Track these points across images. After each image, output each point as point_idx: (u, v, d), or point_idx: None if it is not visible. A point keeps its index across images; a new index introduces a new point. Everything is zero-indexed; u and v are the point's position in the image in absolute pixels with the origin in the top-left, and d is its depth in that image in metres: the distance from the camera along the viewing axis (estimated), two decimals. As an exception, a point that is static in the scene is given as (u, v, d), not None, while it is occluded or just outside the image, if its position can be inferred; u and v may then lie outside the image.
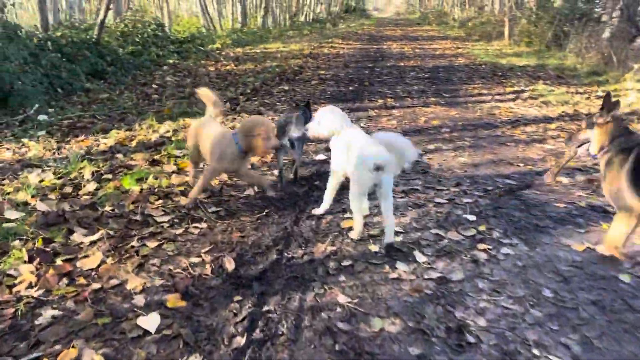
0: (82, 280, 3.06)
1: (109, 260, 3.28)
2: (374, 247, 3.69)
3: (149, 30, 14.57)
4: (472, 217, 4.28)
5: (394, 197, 4.03)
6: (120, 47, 11.75)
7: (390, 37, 24.25)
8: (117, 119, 7.17)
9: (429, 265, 3.45)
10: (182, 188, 4.55)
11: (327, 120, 3.89)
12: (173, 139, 6.05)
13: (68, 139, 6.12)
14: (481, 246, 3.72)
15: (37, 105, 7.30)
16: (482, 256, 3.58)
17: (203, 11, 22.84)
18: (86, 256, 3.32)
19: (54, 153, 5.48)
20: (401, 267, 3.41)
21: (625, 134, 3.34)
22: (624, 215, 3.30)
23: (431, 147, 6.38)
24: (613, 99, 3.39)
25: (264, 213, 4.21)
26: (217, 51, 16.62)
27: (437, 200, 4.65)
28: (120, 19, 14.86)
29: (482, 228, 4.05)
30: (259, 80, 10.46)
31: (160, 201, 4.23)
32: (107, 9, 10.79)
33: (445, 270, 3.38)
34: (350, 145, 3.72)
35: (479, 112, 8.45)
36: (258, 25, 30.85)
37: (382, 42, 21.39)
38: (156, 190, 4.44)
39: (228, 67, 12.92)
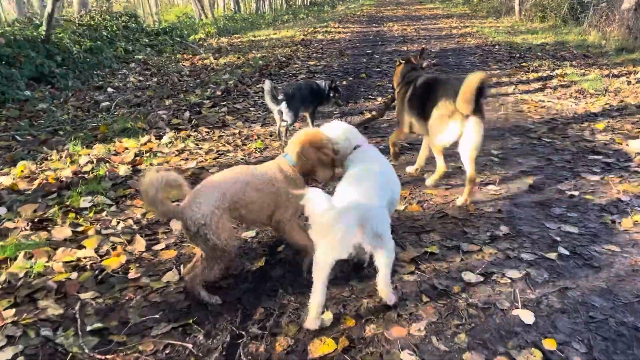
0: None
1: None
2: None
3: (119, 22, 12.78)
4: (528, 317, 2.55)
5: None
6: (77, 44, 9.97)
7: (391, 17, 22.20)
8: (40, 141, 5.45)
9: None
10: (67, 275, 2.85)
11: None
12: (91, 174, 4.33)
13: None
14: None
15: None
16: None
17: (192, -3, 20.93)
18: None
19: None
20: None
21: (410, 71, 4.46)
22: (399, 130, 4.41)
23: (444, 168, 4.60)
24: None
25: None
26: (200, 42, 14.80)
27: (466, 276, 2.92)
28: (85, 11, 13.05)
29: (549, 344, 2.33)
30: (234, 78, 8.68)
31: (12, 312, 2.53)
32: (56, 0, 8.99)
33: None
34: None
35: (502, 110, 6.64)
36: (252, 11, 28.90)
37: (383, 23, 19.40)
38: (19, 283, 2.75)
39: (206, 61, 11.13)
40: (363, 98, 7.46)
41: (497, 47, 12.19)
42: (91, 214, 3.62)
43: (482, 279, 2.90)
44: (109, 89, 8.24)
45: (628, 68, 9.34)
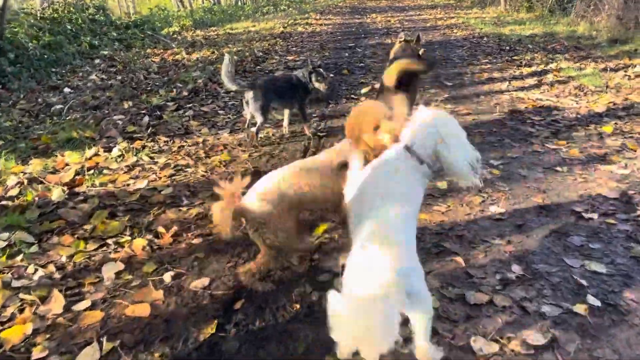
0: None
1: None
2: None
3: (85, 15, 11.84)
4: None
5: None
6: (35, 40, 9.06)
7: (374, 8, 21.41)
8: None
9: None
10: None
11: None
12: (17, 201, 3.55)
13: None
14: None
15: None
16: None
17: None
18: None
19: None
20: None
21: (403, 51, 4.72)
22: None
23: (439, 184, 3.92)
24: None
25: None
26: (174, 35, 13.91)
27: (476, 344, 2.23)
28: (48, 3, 12.08)
29: None
30: (205, 75, 7.87)
31: None
32: (7, -9, 8.09)
33: None
34: None
35: (498, 110, 5.96)
36: (231, 2, 27.87)
37: (366, 14, 18.61)
38: None
39: (178, 56, 10.29)
40: (345, 98, 6.73)
41: (485, 39, 11.53)
42: (3, 259, 2.86)
43: (496, 347, 2.22)
44: (66, 89, 7.39)
45: (624, 61, 8.74)
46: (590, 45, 10.46)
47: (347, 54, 10.12)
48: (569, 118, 5.58)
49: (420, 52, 4.88)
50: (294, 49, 11.03)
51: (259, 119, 4.82)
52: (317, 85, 5.02)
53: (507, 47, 10.26)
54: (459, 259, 2.94)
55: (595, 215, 3.41)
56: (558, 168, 4.24)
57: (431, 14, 17.90)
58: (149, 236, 3.17)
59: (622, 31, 11.46)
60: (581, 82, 7.13)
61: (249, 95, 4.67)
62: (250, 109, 4.80)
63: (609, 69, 8.00)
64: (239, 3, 28.07)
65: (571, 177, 4.08)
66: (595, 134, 5.05)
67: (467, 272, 2.81)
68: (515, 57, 9.18)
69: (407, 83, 4.10)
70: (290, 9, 23.25)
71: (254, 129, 4.93)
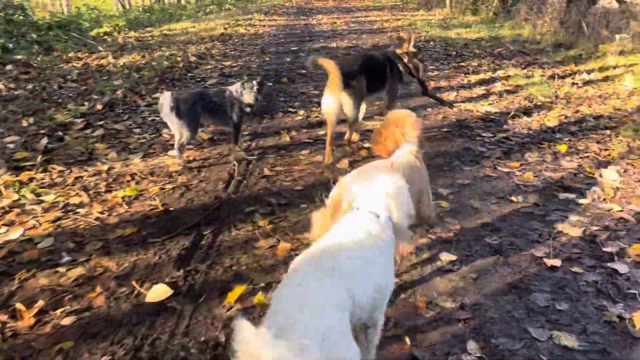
0: None
1: None
2: None
3: (2, 14, 10.61)
4: None
5: None
6: None
7: (321, 9, 20.81)
8: None
9: None
10: None
11: None
12: None
13: None
14: None
15: None
16: None
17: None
18: None
19: None
20: None
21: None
22: None
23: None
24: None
25: None
26: (104, 37, 12.79)
27: None
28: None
29: None
30: (127, 85, 7.00)
31: None
32: None
33: None
34: None
35: (446, 125, 5.46)
36: (173, 1, 26.58)
37: (312, 15, 17.98)
38: None
39: (103, 61, 9.30)
40: (282, 111, 6.06)
41: (431, 43, 11.13)
42: None
43: None
44: (-41, 103, 6.34)
45: (570, 67, 8.53)
46: (535, 50, 10.25)
47: (289, 59, 9.45)
48: (520, 134, 5.14)
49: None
50: (232, 53, 10.24)
51: (185, 134, 4.13)
52: (248, 99, 4.36)
53: (454, 53, 9.89)
54: (402, 332, 2.34)
55: (558, 262, 2.91)
56: (513, 198, 3.74)
57: (378, 15, 17.48)
58: (3, 316, 2.40)
59: (566, 36, 11.36)
60: (530, 92, 6.76)
61: (168, 109, 3.97)
62: (175, 127, 4.11)
63: (556, 76, 7.72)
64: (182, 1, 26.84)
65: (528, 208, 3.59)
66: (549, 153, 4.61)
67: (412, 355, 2.22)
68: (462, 64, 8.79)
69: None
70: (235, 8, 22.33)
71: (174, 151, 4.24)
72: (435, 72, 8.19)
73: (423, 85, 5.16)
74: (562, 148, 4.71)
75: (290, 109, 6.11)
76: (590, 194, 3.80)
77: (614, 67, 8.33)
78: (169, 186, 3.92)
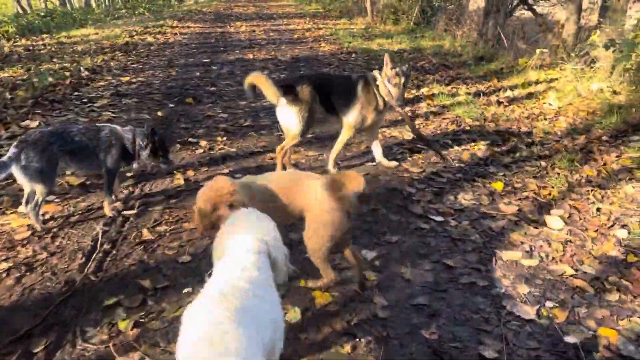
0: None
1: None
2: None
3: None
4: None
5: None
6: None
7: (240, 15, 19.76)
8: None
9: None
10: None
11: None
12: None
13: None
14: None
15: None
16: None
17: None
18: None
19: None
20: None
21: None
22: None
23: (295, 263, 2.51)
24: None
25: None
26: (-14, 45, 11.08)
27: None
28: None
29: None
30: (-10, 109, 5.71)
31: None
32: None
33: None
34: None
35: (370, 157, 4.74)
36: (81, 3, 24.39)
37: (230, 22, 16.91)
38: None
39: (-25, 76, 7.81)
40: (180, 142, 5.08)
41: (353, 55, 10.53)
42: None
43: None
44: None
45: (493, 82, 8.23)
46: (458, 63, 9.94)
47: (198, 73, 8.43)
48: (451, 169, 4.52)
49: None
50: (134, 65, 9.05)
51: (38, 188, 3.10)
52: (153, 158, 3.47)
53: (376, 66, 9.29)
54: None
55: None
56: (450, 262, 3.05)
57: (299, 23, 16.76)
58: None
59: (486, 48, 11.17)
60: (457, 114, 6.24)
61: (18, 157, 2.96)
62: (22, 179, 3.08)
63: (481, 93, 7.31)
64: (92, 4, 24.73)
65: (469, 277, 2.91)
66: (485, 194, 4.01)
67: None
68: (385, 79, 8.20)
69: None
70: (148, 13, 20.77)
71: (26, 208, 3.20)
72: (358, 90, 7.51)
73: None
74: (498, 187, 4.12)
75: (191, 139, 5.16)
76: (537, 249, 3.20)
77: (536, 83, 8.10)
78: (3, 265, 2.87)
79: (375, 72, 4.23)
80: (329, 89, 4.09)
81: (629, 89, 6.82)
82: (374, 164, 4.59)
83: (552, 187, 4.10)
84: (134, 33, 13.20)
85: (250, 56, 10.25)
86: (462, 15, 14.87)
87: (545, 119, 6.23)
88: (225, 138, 5.17)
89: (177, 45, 11.67)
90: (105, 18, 18.87)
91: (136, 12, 21.18)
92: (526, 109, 6.68)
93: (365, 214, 3.62)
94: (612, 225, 3.51)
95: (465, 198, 3.93)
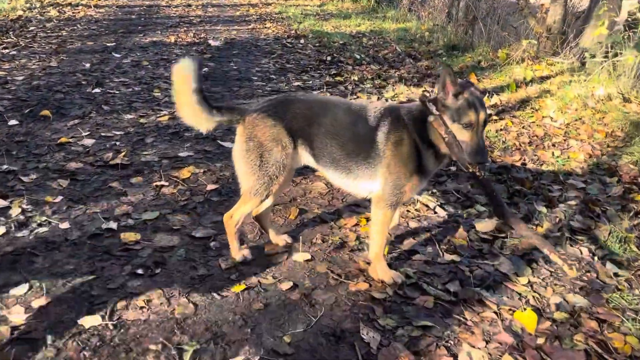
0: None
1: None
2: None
3: None
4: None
5: None
6: None
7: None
8: None
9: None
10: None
11: None
12: None
13: None
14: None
15: None
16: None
17: None
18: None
19: None
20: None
21: None
22: None
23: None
24: None
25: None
26: None
27: None
28: None
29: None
30: None
31: None
32: None
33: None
34: None
35: (314, 208, 2.71)
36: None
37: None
38: None
39: None
40: (15, 193, 2.89)
41: (302, 40, 8.37)
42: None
43: None
44: None
45: (470, 78, 6.28)
46: (426, 54, 7.98)
47: (88, 65, 6.09)
48: (427, 219, 2.56)
49: None
50: (5, 51, 6.60)
51: None
52: None
53: (329, 58, 7.21)
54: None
55: None
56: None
57: (245, -2, 14.31)
58: None
59: (459, 34, 9.22)
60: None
61: None
62: None
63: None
64: None
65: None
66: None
67: None
68: (338, 77, 6.15)
69: None
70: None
71: None
72: (300, 94, 5.45)
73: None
74: (529, 325, 2.19)
75: (8, 192, 2.97)
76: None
77: (525, 84, 6.25)
78: None
79: (425, 100, 2.16)
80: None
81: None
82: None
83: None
84: (38, 4, 10.50)
85: (172, 39, 7.93)
86: (424, -8, 12.86)
87: (554, 145, 4.40)
88: (60, 195, 3.00)
89: (84, 22, 9.14)
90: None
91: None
92: (524, 127, 4.84)
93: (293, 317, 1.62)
94: None
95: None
